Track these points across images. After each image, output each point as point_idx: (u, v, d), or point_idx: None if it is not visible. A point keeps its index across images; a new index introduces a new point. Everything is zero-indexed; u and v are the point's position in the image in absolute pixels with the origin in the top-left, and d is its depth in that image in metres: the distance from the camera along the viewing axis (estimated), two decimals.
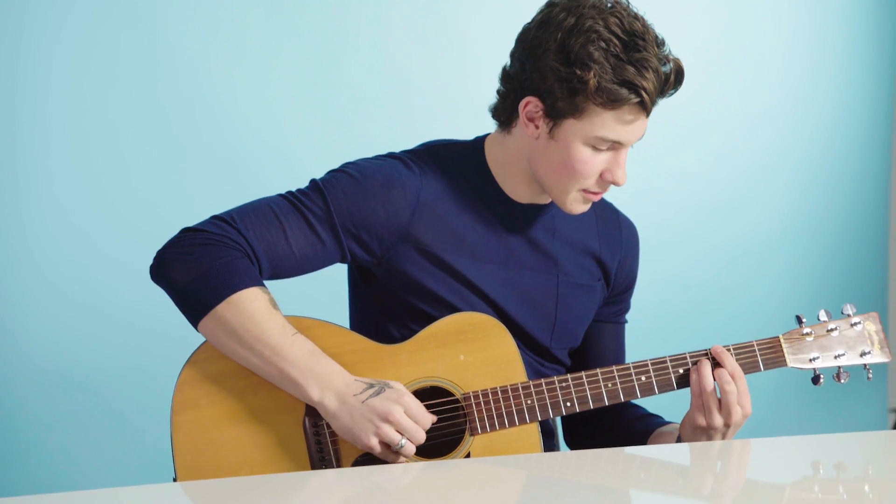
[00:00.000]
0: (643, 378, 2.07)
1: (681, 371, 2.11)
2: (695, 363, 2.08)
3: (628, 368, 2.11)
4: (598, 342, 2.24)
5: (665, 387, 2.09)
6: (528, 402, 2.06)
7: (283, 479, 1.84)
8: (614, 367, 2.11)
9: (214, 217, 2.06)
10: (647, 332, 3.34)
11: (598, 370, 2.11)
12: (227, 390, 2.00)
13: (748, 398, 2.06)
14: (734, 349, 2.13)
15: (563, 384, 2.08)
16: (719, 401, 2.06)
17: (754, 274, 3.59)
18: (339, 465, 2.01)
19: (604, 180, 2.01)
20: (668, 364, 2.09)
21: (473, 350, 2.04)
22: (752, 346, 2.13)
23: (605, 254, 2.20)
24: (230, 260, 1.97)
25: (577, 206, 2.05)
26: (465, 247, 2.06)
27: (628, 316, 2.33)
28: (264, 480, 1.81)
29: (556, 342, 2.17)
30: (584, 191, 2.03)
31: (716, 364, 2.09)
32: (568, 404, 2.07)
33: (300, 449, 2.02)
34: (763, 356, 2.13)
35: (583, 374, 2.08)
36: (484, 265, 2.06)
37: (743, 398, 2.06)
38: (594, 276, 2.20)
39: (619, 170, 2.00)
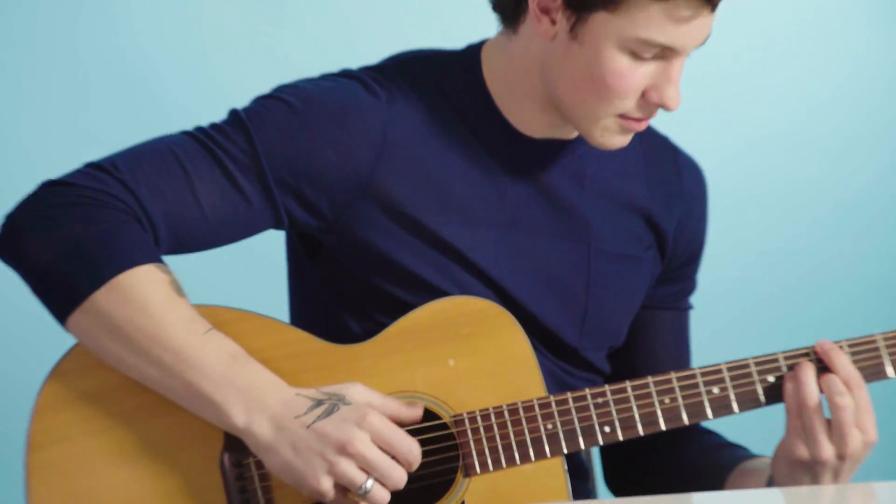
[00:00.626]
0: (716, 390, 1.68)
1: (771, 379, 1.70)
2: (791, 368, 1.69)
3: (694, 377, 1.69)
4: (649, 338, 1.86)
5: (748, 402, 1.69)
6: (549, 426, 1.66)
7: None
8: (673, 375, 1.68)
9: (89, 165, 1.68)
10: (720, 323, 3.02)
11: (650, 378, 1.69)
12: (109, 415, 1.67)
13: (872, 417, 1.67)
14: (849, 346, 1.70)
15: (600, 400, 1.68)
16: (828, 422, 1.67)
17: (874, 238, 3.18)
18: None
19: (648, 102, 1.65)
20: (752, 369, 1.69)
21: (468, 352, 1.68)
22: (875, 341, 1.70)
23: (657, 209, 1.81)
24: (112, 226, 1.63)
25: (612, 138, 1.68)
26: (452, 204, 1.72)
27: (694, 299, 1.93)
28: None
29: (588, 340, 1.78)
30: (622, 116, 1.66)
31: (823, 368, 1.69)
32: (607, 429, 1.67)
33: (216, 497, 1.65)
34: (894, 356, 1.70)
35: (627, 384, 1.68)
36: (480, 230, 1.72)
37: (864, 417, 1.66)
38: (643, 242, 1.80)
39: (671, 87, 1.64)
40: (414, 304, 1.68)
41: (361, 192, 1.69)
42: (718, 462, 1.79)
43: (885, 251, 3.27)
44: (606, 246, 1.77)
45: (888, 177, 3.26)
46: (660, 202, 1.81)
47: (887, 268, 3.27)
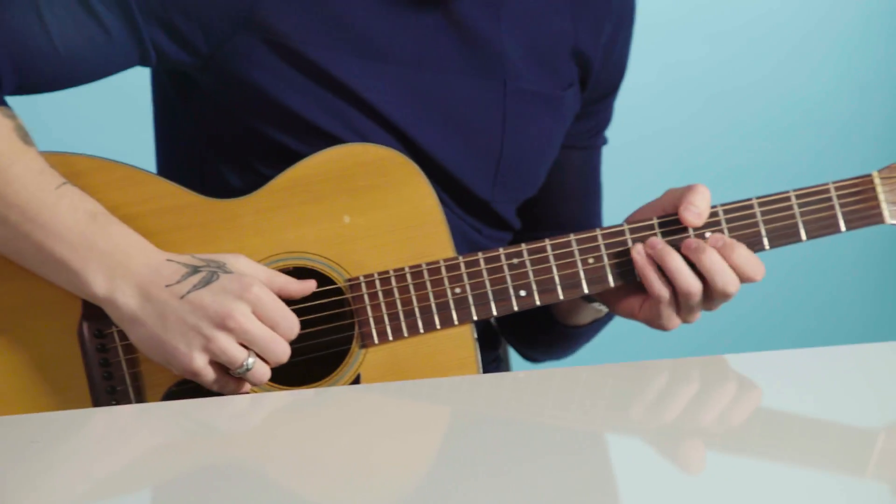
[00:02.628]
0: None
1: (708, 235, 1.52)
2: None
3: (622, 232, 1.52)
4: (557, 183, 1.69)
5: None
6: (457, 290, 1.51)
7: (44, 420, 1.42)
8: (598, 232, 1.52)
9: None
10: None
11: (572, 236, 1.51)
12: None
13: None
14: (798, 196, 1.52)
15: (515, 260, 1.52)
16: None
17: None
18: (139, 401, 1.51)
19: None
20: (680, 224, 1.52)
21: (366, 207, 1.52)
22: (827, 189, 1.52)
23: (583, 37, 1.64)
24: None
25: None
26: (347, 37, 1.54)
27: (609, 132, 1.76)
28: (11, 424, 1.39)
29: (502, 191, 1.62)
30: None
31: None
32: (522, 293, 1.51)
33: (75, 373, 1.51)
34: (845, 207, 1.52)
35: (546, 242, 1.52)
36: (380, 67, 1.55)
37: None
38: (564, 78, 1.63)
39: None
40: (303, 152, 1.51)
41: (242, 23, 1.50)
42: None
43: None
44: (524, 83, 1.59)
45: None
46: (585, 27, 1.64)
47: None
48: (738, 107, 3.09)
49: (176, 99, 1.58)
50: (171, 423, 1.36)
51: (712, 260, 1.45)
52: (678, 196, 1.48)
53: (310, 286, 1.45)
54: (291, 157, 1.50)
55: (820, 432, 1.17)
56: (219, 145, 1.56)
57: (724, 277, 1.45)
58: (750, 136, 3.11)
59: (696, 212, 1.46)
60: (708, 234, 1.48)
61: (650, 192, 1.58)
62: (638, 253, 1.47)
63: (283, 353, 1.43)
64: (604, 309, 1.58)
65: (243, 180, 1.54)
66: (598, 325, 1.63)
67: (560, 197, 1.70)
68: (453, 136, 1.56)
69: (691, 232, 1.48)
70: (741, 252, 1.45)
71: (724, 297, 1.46)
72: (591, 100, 1.66)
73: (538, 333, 1.66)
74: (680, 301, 1.47)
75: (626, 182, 2.94)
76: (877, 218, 1.50)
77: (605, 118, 1.69)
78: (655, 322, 1.50)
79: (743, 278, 1.46)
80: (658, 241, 1.47)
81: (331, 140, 1.51)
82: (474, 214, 1.58)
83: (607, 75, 1.65)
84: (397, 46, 1.53)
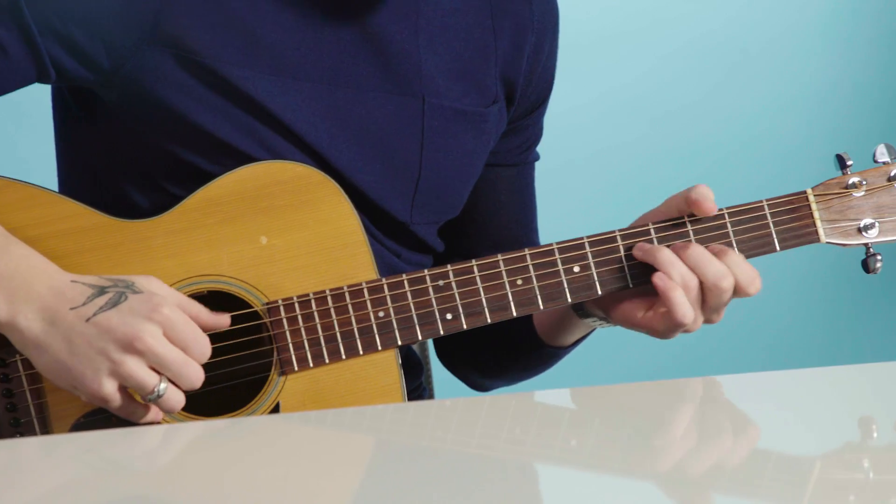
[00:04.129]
0: (576, 269, 1.48)
1: (640, 254, 1.49)
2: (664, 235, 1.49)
3: (552, 253, 1.47)
4: (488, 203, 1.65)
5: (613, 282, 1.48)
6: (380, 314, 1.47)
7: None
8: (527, 252, 1.48)
9: None
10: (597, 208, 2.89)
11: (500, 256, 1.47)
12: None
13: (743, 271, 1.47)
14: (730, 214, 1.49)
15: (441, 282, 1.47)
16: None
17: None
18: (45, 433, 1.45)
19: None
20: (619, 243, 1.48)
21: (284, 227, 1.47)
22: (762, 206, 1.48)
23: (505, 50, 1.60)
24: None
25: None
26: (260, 53, 1.50)
27: (557, 151, 1.77)
28: None
29: (421, 213, 1.58)
30: None
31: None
32: (448, 317, 1.47)
33: None
34: (779, 226, 1.48)
35: (473, 263, 1.48)
36: (294, 85, 1.51)
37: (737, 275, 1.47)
38: (488, 94, 1.59)
39: None
40: (214, 172, 1.46)
41: (147, 38, 1.45)
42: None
43: None
44: (444, 100, 1.55)
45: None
46: (507, 40, 1.60)
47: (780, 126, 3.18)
48: (684, 125, 3.11)
49: (78, 115, 1.53)
50: (76, 457, 1.28)
51: (699, 253, 1.42)
52: (682, 198, 1.46)
53: (223, 322, 1.39)
54: (202, 177, 1.45)
55: (756, 460, 1.14)
56: (124, 163, 1.51)
57: (715, 270, 1.41)
58: (696, 154, 3.12)
59: (709, 202, 1.45)
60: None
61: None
62: (638, 251, 1.45)
63: (196, 377, 1.37)
64: (595, 323, 1.54)
65: (150, 200, 1.49)
66: (578, 343, 1.60)
67: (494, 215, 1.66)
68: (370, 155, 1.52)
69: (692, 236, 1.45)
70: (732, 257, 1.43)
71: (719, 292, 1.42)
72: (518, 115, 1.62)
73: (520, 356, 1.61)
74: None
75: (577, 199, 2.95)
76: (811, 237, 1.47)
77: (535, 133, 1.66)
78: (658, 329, 1.46)
79: (737, 286, 1.43)
80: (644, 243, 1.44)
81: (243, 159, 1.46)
82: (393, 237, 1.54)
83: (534, 89, 1.62)
84: (312, 63, 1.48)
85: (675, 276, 1.41)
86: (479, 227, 1.64)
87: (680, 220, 1.45)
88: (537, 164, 1.68)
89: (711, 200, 1.43)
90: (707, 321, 1.46)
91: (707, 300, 1.42)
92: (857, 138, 3.13)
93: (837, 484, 1.05)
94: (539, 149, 1.67)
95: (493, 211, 1.64)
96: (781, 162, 3.13)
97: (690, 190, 1.44)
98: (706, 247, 1.43)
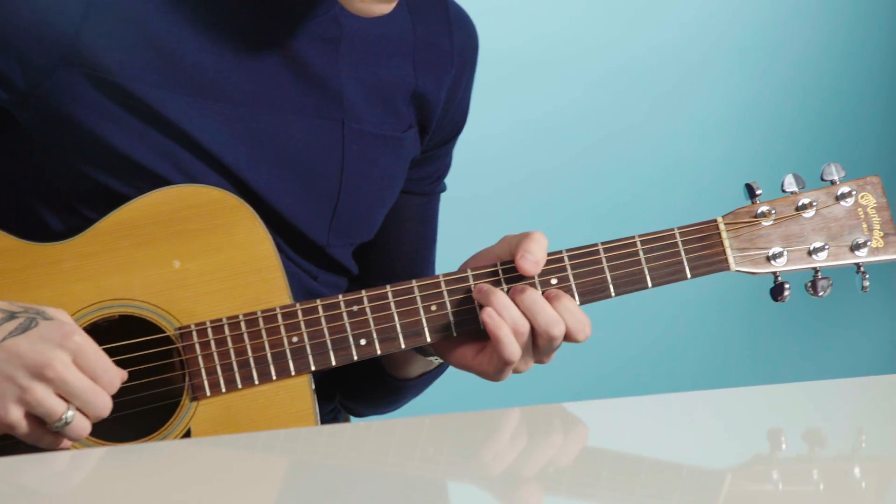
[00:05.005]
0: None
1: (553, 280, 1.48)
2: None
3: (465, 279, 1.47)
4: (393, 229, 1.64)
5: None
6: (294, 339, 1.45)
7: None
8: (441, 278, 1.47)
9: None
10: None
11: (415, 283, 1.47)
12: None
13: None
14: (642, 241, 1.49)
15: (355, 308, 1.46)
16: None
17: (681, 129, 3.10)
18: None
19: None
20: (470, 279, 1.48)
21: (197, 251, 1.46)
22: (673, 234, 1.49)
23: (424, 79, 1.59)
24: None
25: (372, 4, 1.46)
26: (177, 74, 1.48)
27: (469, 175, 1.78)
28: None
29: (338, 236, 1.56)
30: None
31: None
32: (363, 342, 1.46)
33: None
34: (690, 254, 1.48)
35: (388, 288, 1.47)
36: (212, 107, 1.49)
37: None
38: (404, 120, 1.58)
39: None
40: (130, 194, 1.43)
41: (63, 58, 1.42)
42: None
43: None
44: (363, 125, 1.54)
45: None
46: (426, 69, 1.59)
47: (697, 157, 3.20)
48: (615, 152, 3.10)
49: None
50: None
51: (532, 299, 1.41)
52: (514, 243, 1.45)
53: (120, 376, 1.37)
54: (116, 200, 1.42)
55: (668, 475, 1.14)
56: (38, 185, 1.47)
57: (546, 317, 1.41)
58: (628, 180, 3.12)
59: (532, 259, 1.43)
60: (554, 281, 1.44)
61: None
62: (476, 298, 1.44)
63: (104, 406, 1.34)
64: (435, 361, 1.53)
65: (64, 223, 1.46)
66: (428, 377, 1.58)
67: (396, 243, 1.65)
68: (288, 178, 1.50)
69: (536, 280, 1.44)
70: (566, 303, 1.42)
71: (549, 339, 1.42)
72: (431, 145, 1.62)
73: (363, 384, 1.60)
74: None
75: (502, 227, 2.93)
76: (722, 265, 1.48)
77: (444, 165, 1.65)
78: (488, 370, 1.45)
79: (567, 332, 1.43)
80: (484, 284, 1.44)
81: (159, 181, 1.44)
82: (309, 259, 1.53)
83: (449, 121, 1.61)
84: (232, 85, 1.46)
85: (507, 318, 1.42)
86: (379, 253, 1.64)
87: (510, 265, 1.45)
88: (463, 193, 1.67)
89: (538, 261, 1.44)
90: (538, 362, 1.47)
91: (538, 345, 1.44)
92: (773, 165, 3.17)
93: (749, 495, 1.06)
94: (467, 176, 1.66)
95: (396, 239, 1.64)
96: (700, 189, 3.14)
97: (524, 238, 1.45)
98: (543, 292, 1.44)
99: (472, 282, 1.43)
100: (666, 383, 3.12)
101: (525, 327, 1.41)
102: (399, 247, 1.64)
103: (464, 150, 1.74)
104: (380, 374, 1.56)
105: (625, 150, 3.09)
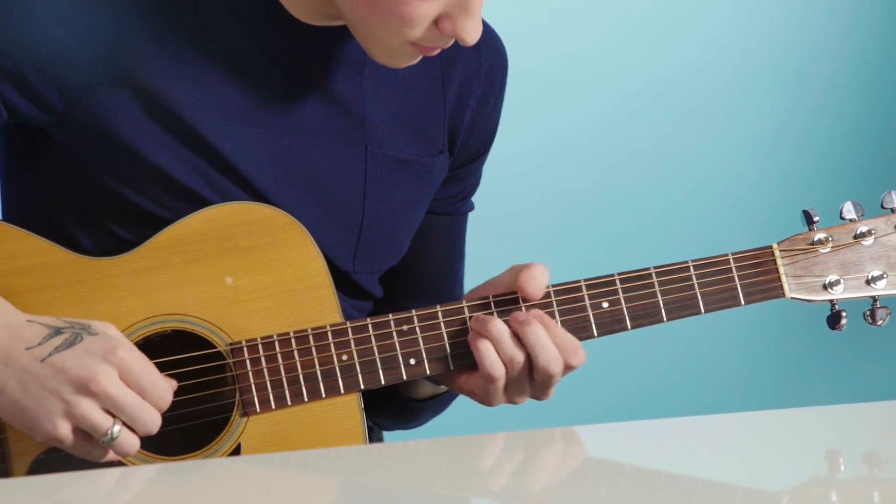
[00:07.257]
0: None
1: (605, 304, 1.48)
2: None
3: (516, 301, 1.47)
4: (419, 249, 1.62)
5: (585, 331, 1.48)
6: (344, 357, 1.45)
7: None
8: (490, 297, 1.47)
9: None
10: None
11: (465, 303, 1.46)
12: None
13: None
14: (694, 267, 1.48)
15: (405, 327, 1.46)
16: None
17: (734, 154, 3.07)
18: (5, 467, 1.43)
19: (442, 33, 1.42)
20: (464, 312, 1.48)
21: (249, 268, 1.45)
22: (727, 260, 1.47)
23: (451, 101, 1.58)
24: None
25: (398, 59, 1.45)
26: (210, 96, 1.48)
27: (496, 193, 1.78)
28: None
29: (363, 262, 1.56)
30: (413, 44, 1.43)
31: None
32: (412, 362, 1.45)
33: None
34: (744, 280, 1.47)
35: (438, 308, 1.46)
36: (241, 129, 1.49)
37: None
38: (433, 145, 1.57)
39: (469, 20, 1.40)
40: (162, 214, 1.44)
41: (101, 78, 1.43)
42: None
43: None
44: (388, 150, 1.54)
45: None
46: (454, 90, 1.58)
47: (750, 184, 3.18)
48: (636, 172, 3.10)
49: (26, 152, 1.50)
50: (30, 502, 1.24)
51: (536, 334, 1.41)
52: (516, 272, 1.45)
53: (173, 383, 1.39)
54: (149, 219, 1.43)
55: (722, 497, 1.13)
56: (71, 204, 1.48)
57: (547, 354, 1.41)
58: (648, 202, 3.11)
59: (535, 284, 1.43)
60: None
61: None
62: (470, 326, 1.45)
63: (152, 422, 1.34)
64: (440, 388, 1.53)
65: (96, 242, 1.46)
66: (443, 399, 1.58)
67: (423, 263, 1.64)
68: (313, 203, 1.50)
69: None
70: (556, 331, 1.42)
71: (547, 376, 1.42)
72: (458, 164, 1.61)
73: (381, 402, 1.60)
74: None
75: (530, 245, 2.92)
76: (776, 292, 1.46)
77: (472, 183, 1.64)
78: (480, 395, 1.45)
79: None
80: (481, 314, 1.44)
81: (193, 199, 1.45)
82: (335, 285, 1.52)
83: (476, 139, 1.61)
84: (257, 108, 1.47)
85: (504, 351, 1.42)
86: (406, 273, 1.63)
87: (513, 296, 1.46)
88: (489, 212, 1.65)
89: (536, 287, 1.44)
90: (534, 398, 1.46)
91: (534, 382, 1.44)
92: (802, 188, 3.16)
93: None
94: (493, 194, 1.64)
95: (423, 259, 1.63)
96: (732, 210, 3.14)
97: (522, 270, 1.45)
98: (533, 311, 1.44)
99: (467, 314, 1.44)
100: (695, 405, 3.11)
101: (520, 357, 1.42)
102: (426, 266, 1.63)
103: (491, 168, 1.73)
104: (395, 394, 1.56)
105: (651, 169, 3.09)
